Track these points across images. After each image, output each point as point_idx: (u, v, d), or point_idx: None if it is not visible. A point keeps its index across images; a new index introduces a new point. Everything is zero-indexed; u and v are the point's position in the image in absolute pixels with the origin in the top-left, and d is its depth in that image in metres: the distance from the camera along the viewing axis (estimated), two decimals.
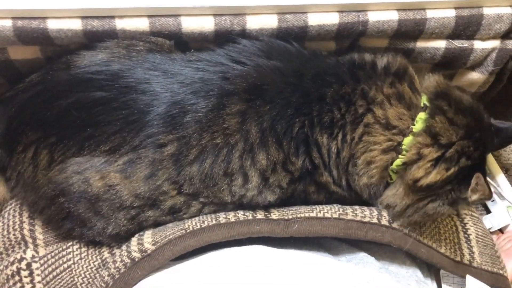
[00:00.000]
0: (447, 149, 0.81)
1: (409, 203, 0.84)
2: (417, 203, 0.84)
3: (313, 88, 0.83)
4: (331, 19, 0.90)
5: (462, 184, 0.81)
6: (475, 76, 1.04)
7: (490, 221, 1.14)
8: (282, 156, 0.82)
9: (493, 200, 1.17)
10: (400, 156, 0.83)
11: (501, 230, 1.15)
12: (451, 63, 1.01)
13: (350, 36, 0.93)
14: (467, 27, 0.95)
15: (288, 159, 0.82)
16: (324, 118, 0.83)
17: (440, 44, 0.97)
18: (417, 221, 0.86)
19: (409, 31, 0.94)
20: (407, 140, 0.82)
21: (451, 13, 0.94)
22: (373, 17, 0.91)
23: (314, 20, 0.90)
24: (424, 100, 0.85)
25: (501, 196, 1.17)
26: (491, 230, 1.12)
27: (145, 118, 0.79)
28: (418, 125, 0.83)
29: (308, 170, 0.84)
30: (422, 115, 0.83)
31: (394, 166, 0.84)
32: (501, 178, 1.20)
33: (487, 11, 0.94)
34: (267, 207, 0.86)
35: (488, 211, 1.18)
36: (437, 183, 0.80)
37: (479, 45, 0.98)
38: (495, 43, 0.98)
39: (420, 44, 0.97)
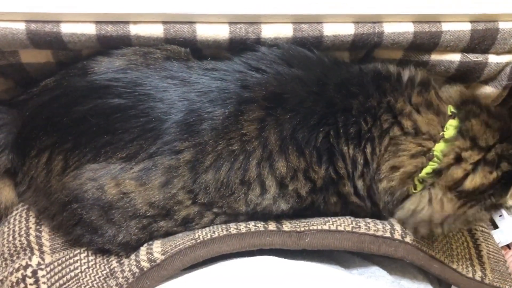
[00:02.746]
0: (487, 152, 0.80)
1: (450, 213, 0.81)
2: (458, 210, 0.81)
3: (338, 98, 0.82)
4: (347, 30, 0.89)
5: (503, 189, 0.80)
6: (489, 90, 1.03)
7: (498, 237, 1.12)
8: (304, 164, 0.81)
9: (501, 215, 1.15)
10: (430, 163, 0.81)
11: (508, 246, 1.14)
12: (464, 77, 1.00)
13: (365, 47, 0.92)
14: (482, 41, 0.94)
15: (310, 167, 0.81)
16: (350, 129, 0.82)
17: (455, 57, 0.97)
18: (457, 229, 0.86)
19: (424, 44, 0.93)
20: (440, 147, 0.81)
21: (466, 27, 0.93)
22: (389, 28, 0.91)
23: (330, 30, 0.89)
24: (451, 109, 0.84)
25: (509, 211, 1.16)
26: (499, 246, 1.11)
27: (163, 126, 0.78)
28: (449, 132, 0.81)
29: (333, 180, 0.83)
30: (452, 122, 0.82)
31: (423, 173, 0.82)
32: None
33: (503, 25, 0.94)
34: (278, 218, 0.85)
35: (495, 226, 1.16)
36: (482, 186, 0.79)
37: (494, 59, 0.97)
38: (510, 58, 0.97)
39: (435, 57, 0.96)
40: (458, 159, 0.80)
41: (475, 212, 0.81)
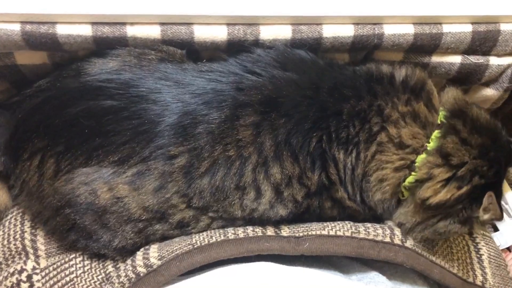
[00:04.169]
0: (459, 169, 0.80)
1: (419, 221, 0.83)
2: (427, 221, 0.83)
3: (330, 102, 0.81)
4: (346, 31, 0.88)
5: (474, 203, 0.80)
6: (490, 92, 1.02)
7: (498, 239, 1.11)
8: (298, 170, 0.80)
9: None
10: (413, 173, 0.82)
11: (508, 249, 1.13)
12: (465, 79, 0.99)
13: (365, 48, 0.92)
14: (483, 43, 0.93)
15: (304, 173, 0.80)
16: (341, 134, 0.81)
17: (456, 59, 0.96)
18: (428, 237, 0.85)
19: (424, 45, 0.92)
20: (420, 158, 0.81)
21: (467, 28, 0.92)
22: (389, 30, 0.90)
23: (329, 32, 0.88)
24: (441, 117, 0.84)
25: (510, 214, 1.15)
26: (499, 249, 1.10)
27: (156, 129, 0.77)
28: (432, 143, 0.82)
29: (325, 186, 0.82)
30: (437, 133, 0.82)
31: (406, 183, 0.83)
32: (509, 195, 1.18)
33: (504, 27, 0.93)
34: (277, 223, 0.84)
35: (496, 229, 1.15)
36: (447, 201, 0.79)
37: (495, 61, 0.96)
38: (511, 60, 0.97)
39: (435, 59, 0.96)
40: (430, 175, 0.81)
41: (447, 224, 0.82)
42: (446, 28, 0.92)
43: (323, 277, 0.81)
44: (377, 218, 0.89)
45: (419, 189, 0.82)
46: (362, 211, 0.87)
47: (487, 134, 0.82)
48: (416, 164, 0.81)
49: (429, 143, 0.82)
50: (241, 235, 0.80)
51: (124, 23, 0.83)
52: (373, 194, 0.84)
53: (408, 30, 0.90)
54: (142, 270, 0.78)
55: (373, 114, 0.82)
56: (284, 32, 0.87)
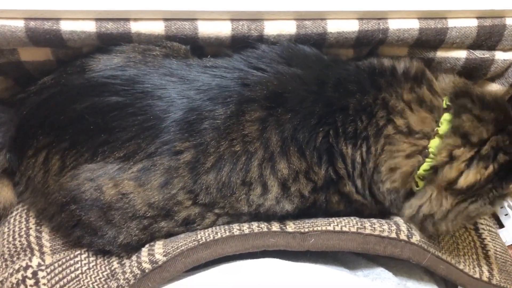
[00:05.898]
0: (481, 146, 0.78)
1: (449, 208, 0.80)
2: (457, 207, 0.80)
3: (336, 97, 0.81)
4: (351, 27, 0.88)
5: (504, 180, 0.78)
6: (495, 87, 1.01)
7: (504, 235, 1.11)
8: (305, 165, 0.80)
9: (507, 214, 1.14)
10: (427, 160, 0.80)
11: None
12: (471, 74, 0.99)
13: (370, 44, 0.91)
14: (489, 38, 0.93)
15: (311, 168, 0.80)
16: (348, 128, 0.81)
17: (461, 54, 0.95)
18: (461, 225, 0.84)
19: (429, 40, 0.92)
20: (434, 143, 0.80)
21: (473, 23, 0.92)
22: (394, 25, 0.89)
23: (333, 27, 0.88)
24: (446, 101, 0.83)
25: None
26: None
27: (161, 125, 0.77)
28: (443, 127, 0.80)
29: (332, 180, 0.82)
30: (446, 116, 0.81)
31: (421, 171, 0.81)
32: None
33: (510, 21, 0.92)
34: (283, 219, 0.84)
35: (501, 225, 1.15)
36: (478, 183, 0.77)
37: (501, 56, 0.96)
38: None
39: (440, 54, 0.95)
40: (451, 157, 0.79)
41: (478, 207, 0.80)
42: (451, 23, 0.91)
43: (329, 273, 0.81)
44: (384, 213, 0.89)
45: (440, 173, 0.79)
46: (369, 204, 0.86)
47: (498, 109, 0.80)
48: (431, 150, 0.80)
49: (439, 126, 0.81)
50: (246, 231, 0.80)
51: (128, 19, 0.83)
52: (383, 185, 0.83)
53: (413, 25, 0.90)
54: (147, 266, 0.78)
55: (379, 108, 0.82)
56: (288, 28, 0.87)
